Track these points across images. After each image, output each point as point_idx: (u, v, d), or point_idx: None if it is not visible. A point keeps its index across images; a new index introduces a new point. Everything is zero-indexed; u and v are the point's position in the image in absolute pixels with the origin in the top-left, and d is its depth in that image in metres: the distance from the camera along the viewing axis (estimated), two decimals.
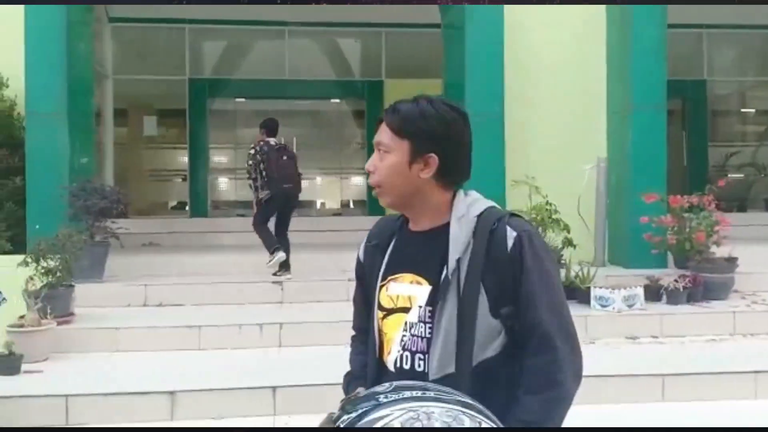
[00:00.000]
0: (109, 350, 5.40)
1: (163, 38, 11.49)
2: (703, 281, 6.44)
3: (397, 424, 1.07)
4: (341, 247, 7.29)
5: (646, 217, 6.92)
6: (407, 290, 1.63)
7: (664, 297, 6.34)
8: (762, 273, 6.97)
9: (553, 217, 6.58)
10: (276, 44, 11.59)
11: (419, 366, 1.59)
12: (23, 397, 4.39)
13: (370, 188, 1.70)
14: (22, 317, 5.19)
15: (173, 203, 13.78)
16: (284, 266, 6.81)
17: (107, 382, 4.66)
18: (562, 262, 6.60)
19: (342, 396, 1.50)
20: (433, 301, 1.58)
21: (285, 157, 6.99)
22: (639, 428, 4.20)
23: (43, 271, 5.55)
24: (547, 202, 6.64)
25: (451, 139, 1.61)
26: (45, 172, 6.73)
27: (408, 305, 1.62)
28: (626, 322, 5.92)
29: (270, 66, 11.62)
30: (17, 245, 6.64)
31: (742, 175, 12.44)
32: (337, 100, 13.36)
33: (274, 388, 4.49)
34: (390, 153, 1.62)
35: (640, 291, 6.14)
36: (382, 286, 1.67)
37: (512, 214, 1.62)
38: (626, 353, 5.41)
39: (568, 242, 6.61)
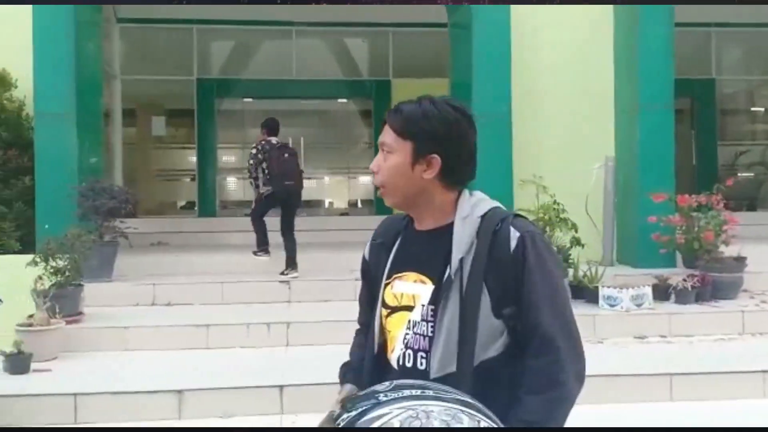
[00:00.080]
0: (117, 349, 5.43)
1: (171, 39, 11.53)
2: (712, 280, 6.41)
3: (396, 423, 1.08)
4: (349, 246, 7.29)
5: (654, 216, 6.90)
6: (411, 289, 1.64)
7: (673, 296, 6.31)
8: None
9: (561, 216, 6.56)
10: (283, 44, 11.61)
11: (421, 364, 1.59)
12: (32, 396, 4.42)
13: (377, 188, 1.71)
14: (31, 316, 5.22)
15: (182, 203, 13.83)
16: (291, 265, 6.84)
17: (116, 381, 4.68)
18: (570, 261, 6.58)
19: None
20: (436, 300, 1.58)
21: (286, 155, 7.08)
22: (646, 428, 4.18)
23: (52, 270, 5.57)
24: (554, 202, 6.62)
25: (453, 140, 1.61)
26: (54, 172, 6.76)
27: (412, 303, 1.63)
28: (634, 321, 5.90)
29: (277, 66, 11.64)
30: (26, 245, 6.69)
31: (752, 174, 12.37)
32: (345, 100, 13.36)
33: (281, 387, 4.50)
34: (393, 153, 1.62)
35: (649, 290, 6.12)
36: (386, 284, 1.68)
37: (516, 215, 1.63)
38: (634, 353, 5.39)
39: (576, 242, 6.59)
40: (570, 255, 6.60)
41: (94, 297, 6.06)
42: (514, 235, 1.55)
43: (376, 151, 1.68)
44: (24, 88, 7.26)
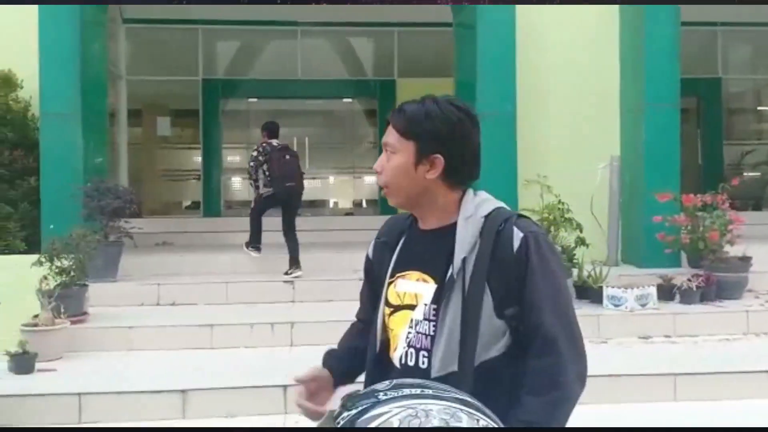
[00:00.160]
0: (122, 349, 5.45)
1: (176, 39, 11.55)
2: (717, 280, 6.39)
3: (395, 422, 1.08)
4: (353, 246, 7.30)
5: (659, 216, 6.88)
6: (414, 287, 1.64)
7: (677, 296, 6.29)
8: None
9: (566, 216, 6.55)
10: (288, 44, 11.62)
11: (423, 363, 1.60)
12: (37, 396, 4.44)
13: (381, 188, 1.72)
14: (36, 316, 5.24)
15: (187, 203, 13.86)
16: (295, 264, 6.86)
17: (120, 381, 4.70)
18: (575, 261, 6.57)
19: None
20: (438, 299, 1.58)
21: (288, 157, 7.17)
22: (650, 428, 4.17)
23: (57, 270, 5.60)
24: (559, 201, 6.61)
25: (456, 140, 1.61)
26: (59, 172, 6.79)
27: (414, 302, 1.63)
28: (639, 321, 5.88)
29: (282, 66, 11.65)
30: (32, 245, 6.71)
31: (758, 174, 12.32)
32: (350, 100, 13.37)
33: (285, 387, 4.50)
34: (396, 154, 1.63)
35: (653, 290, 6.10)
36: (390, 283, 1.69)
37: (520, 215, 1.63)
38: (639, 353, 5.38)
39: (581, 241, 6.58)
40: (575, 255, 6.58)
41: (98, 297, 6.08)
42: (518, 235, 1.56)
43: (381, 151, 1.69)
44: (30, 89, 7.29)
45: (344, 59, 12.18)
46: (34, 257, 5.68)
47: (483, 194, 1.67)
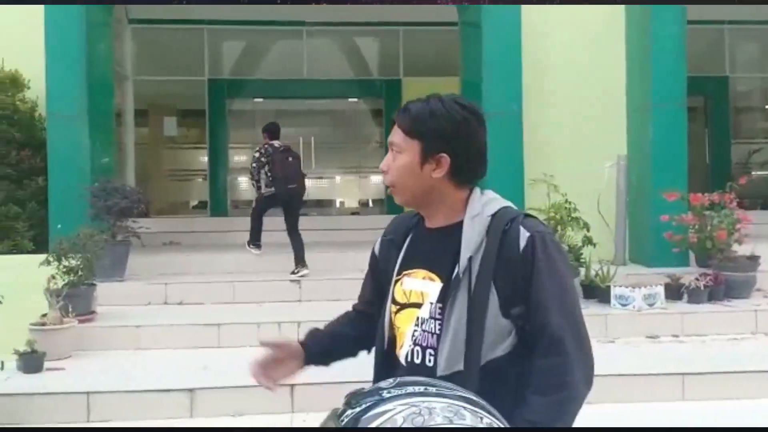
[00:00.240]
0: (130, 348, 5.46)
1: (182, 39, 11.58)
2: (725, 280, 6.36)
3: (399, 419, 1.08)
4: (359, 245, 7.30)
5: (666, 215, 6.85)
6: (420, 286, 1.64)
7: (685, 296, 6.27)
8: None
9: (573, 215, 6.54)
10: (294, 44, 11.64)
11: (429, 361, 1.60)
12: (46, 395, 4.46)
13: (387, 187, 1.72)
14: (44, 316, 5.26)
15: (194, 203, 13.90)
16: (300, 262, 6.89)
17: (128, 380, 4.71)
18: (582, 260, 6.56)
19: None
20: (444, 298, 1.58)
21: (290, 158, 7.23)
22: (658, 428, 4.15)
23: (64, 270, 5.62)
24: (566, 201, 6.60)
25: (462, 139, 1.61)
26: (66, 172, 6.82)
27: (420, 301, 1.63)
28: (646, 321, 5.86)
29: (288, 66, 11.67)
30: (39, 245, 6.75)
31: (766, 173, 12.26)
32: (355, 99, 13.37)
33: (292, 385, 4.50)
34: (402, 153, 1.63)
35: (661, 290, 6.08)
36: (397, 281, 1.69)
37: (527, 215, 1.62)
38: (646, 352, 5.36)
39: (588, 241, 6.56)
40: (582, 254, 6.57)
41: (106, 296, 6.10)
42: (524, 234, 1.55)
43: (387, 151, 1.69)
44: (36, 89, 7.32)
45: (350, 59, 12.19)
46: (42, 257, 5.71)
47: (490, 193, 1.67)
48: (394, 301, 1.69)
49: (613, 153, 7.68)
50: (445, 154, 1.60)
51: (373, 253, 1.83)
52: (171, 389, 4.51)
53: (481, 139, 1.64)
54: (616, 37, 8.06)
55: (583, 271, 6.48)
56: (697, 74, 8.83)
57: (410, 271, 1.67)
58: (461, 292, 1.55)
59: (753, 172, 12.00)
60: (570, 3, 7.85)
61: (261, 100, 13.00)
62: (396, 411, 1.09)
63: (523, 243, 1.54)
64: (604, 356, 4.86)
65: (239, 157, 13.52)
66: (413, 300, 1.65)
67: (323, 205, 14.23)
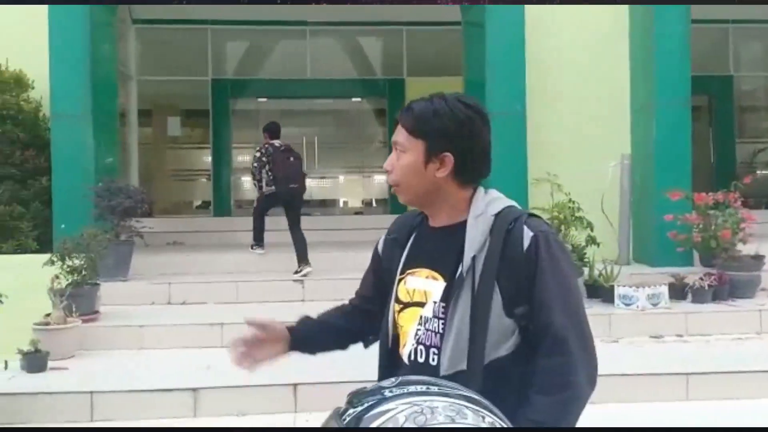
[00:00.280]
0: (133, 348, 5.47)
1: (185, 39, 11.59)
2: (729, 279, 6.34)
3: (401, 418, 1.08)
4: (363, 245, 7.27)
5: (670, 214, 6.84)
6: (423, 285, 1.64)
7: (690, 295, 6.25)
8: None
9: (576, 215, 6.52)
10: (297, 44, 11.64)
11: (433, 360, 1.60)
12: (49, 394, 4.46)
13: (391, 186, 1.72)
14: (47, 315, 5.27)
15: (197, 203, 13.92)
16: (303, 260, 6.91)
17: (132, 380, 4.72)
18: (585, 260, 6.54)
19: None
20: (447, 297, 1.58)
21: (291, 158, 7.26)
22: (662, 428, 4.14)
23: (68, 269, 5.63)
24: (570, 200, 6.59)
25: (465, 138, 1.60)
26: (70, 172, 6.83)
27: (423, 300, 1.63)
28: (650, 320, 5.85)
29: (291, 65, 11.67)
30: (43, 244, 6.76)
31: None
32: (359, 99, 13.37)
33: (295, 385, 4.52)
34: (406, 152, 1.63)
35: (665, 289, 6.06)
36: (400, 280, 1.69)
37: (530, 215, 1.62)
38: (650, 352, 5.35)
39: (592, 240, 6.55)
40: (585, 254, 6.56)
41: (110, 296, 6.11)
42: (528, 234, 1.55)
43: (391, 150, 1.69)
44: (40, 89, 7.34)
45: (353, 59, 12.18)
46: (46, 256, 5.72)
47: (494, 192, 1.67)
48: (397, 300, 1.69)
49: (616, 152, 7.66)
50: (448, 154, 1.60)
51: (375, 250, 1.84)
52: (174, 389, 4.52)
53: (485, 138, 1.64)
54: (619, 36, 8.05)
55: (586, 270, 6.46)
56: (701, 73, 8.81)
57: (414, 270, 1.67)
58: (464, 292, 1.55)
59: (757, 171, 11.96)
60: (570, 3, 7.83)
61: (264, 100, 13.00)
62: (398, 410, 1.10)
63: (526, 242, 1.54)
64: (608, 356, 4.84)
65: (243, 157, 13.53)
66: (416, 299, 1.65)
67: (326, 205, 14.24)
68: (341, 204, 14.66)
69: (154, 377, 4.76)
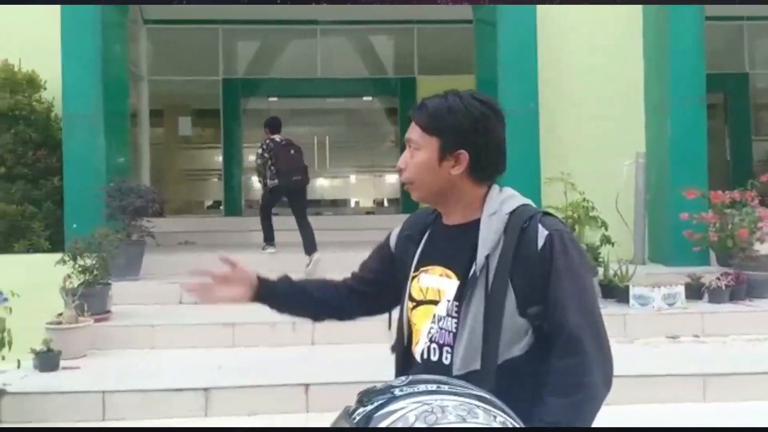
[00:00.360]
0: (145, 347, 5.46)
1: (196, 39, 11.64)
2: (747, 279, 6.27)
3: (411, 417, 1.07)
4: (374, 245, 7.27)
5: (686, 213, 6.76)
6: (437, 283, 1.63)
7: (706, 295, 6.18)
8: None
9: (590, 214, 6.47)
10: (308, 43, 11.65)
11: (446, 359, 1.58)
12: (61, 393, 4.47)
13: (403, 186, 1.71)
14: (60, 315, 5.28)
15: (208, 202, 13.96)
16: (311, 249, 6.97)
17: (143, 379, 4.71)
18: (600, 260, 6.49)
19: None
20: (461, 295, 1.57)
21: (292, 152, 7.35)
22: (678, 428, 4.09)
23: (80, 269, 5.64)
24: (583, 199, 6.53)
25: (480, 135, 1.59)
26: (82, 172, 6.85)
27: (437, 298, 1.62)
28: (666, 320, 5.78)
29: (302, 65, 11.69)
30: (55, 244, 6.78)
31: None
32: (370, 98, 13.37)
33: (306, 385, 4.50)
34: (420, 150, 1.62)
35: (681, 289, 5.99)
36: (414, 277, 1.68)
37: (545, 213, 1.60)
38: (666, 353, 5.29)
39: (606, 240, 6.49)
40: (600, 253, 6.50)
41: (121, 295, 6.12)
42: (542, 233, 1.53)
43: (402, 150, 1.67)
44: (52, 90, 7.37)
45: (364, 57, 12.18)
46: (58, 256, 5.74)
47: (508, 190, 1.65)
48: (410, 298, 1.68)
49: (631, 151, 7.60)
50: (463, 151, 1.58)
51: (387, 242, 1.83)
52: (186, 388, 4.51)
53: (499, 134, 1.63)
54: (633, 34, 7.98)
55: (601, 270, 6.40)
56: (716, 71, 8.73)
57: (427, 267, 1.66)
58: (478, 291, 1.53)
59: None
60: (570, 3, 7.75)
61: (275, 99, 13.03)
62: (408, 409, 1.09)
63: (541, 241, 1.53)
64: (623, 357, 4.77)
65: (253, 157, 13.54)
66: (430, 297, 1.63)
67: (338, 205, 14.25)
68: (353, 204, 14.66)
69: (165, 377, 4.75)
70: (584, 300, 1.52)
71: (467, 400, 1.12)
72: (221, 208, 12.10)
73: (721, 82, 10.34)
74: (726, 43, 11.29)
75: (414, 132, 1.63)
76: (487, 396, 1.17)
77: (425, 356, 1.61)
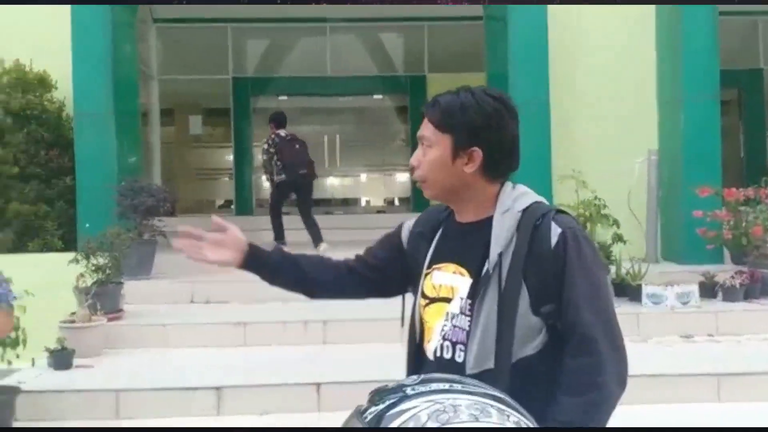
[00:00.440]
0: (157, 346, 5.47)
1: (206, 38, 11.66)
2: (761, 277, 6.21)
3: (423, 416, 1.07)
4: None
5: (700, 211, 6.71)
6: (450, 280, 1.62)
7: (720, 294, 6.13)
8: None
9: (602, 212, 6.43)
10: (317, 41, 11.65)
11: (459, 357, 1.57)
12: (75, 391, 4.50)
13: (414, 185, 1.70)
14: (73, 314, 5.32)
15: (220, 202, 13.99)
16: (318, 240, 7.02)
17: (156, 378, 4.73)
18: (612, 258, 6.45)
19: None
20: (474, 293, 1.56)
21: (297, 146, 7.49)
22: (691, 428, 4.06)
23: (93, 268, 5.67)
24: (595, 197, 6.49)
25: (493, 132, 1.58)
26: (94, 171, 6.88)
27: (450, 295, 1.61)
28: (680, 319, 5.74)
29: (312, 63, 11.69)
30: (68, 243, 6.82)
31: None
32: (380, 96, 13.36)
33: (318, 384, 4.50)
34: (432, 147, 1.61)
35: (695, 288, 5.94)
36: (426, 274, 1.67)
37: (559, 210, 1.59)
38: (680, 352, 5.25)
39: (618, 238, 6.45)
40: (611, 252, 6.46)
41: (133, 295, 6.14)
42: (556, 230, 1.52)
43: (412, 148, 1.66)
44: (63, 89, 7.40)
45: (374, 55, 12.16)
46: (71, 255, 5.77)
47: (521, 188, 1.64)
48: (423, 295, 1.67)
49: (643, 148, 7.54)
50: (477, 148, 1.57)
51: (399, 233, 1.81)
52: (198, 387, 4.52)
53: (513, 131, 1.62)
54: (646, 31, 7.92)
55: (613, 269, 6.37)
56: (730, 67, 8.65)
57: (440, 265, 1.65)
58: (491, 289, 1.52)
59: None
60: (571, 3, 7.69)
61: (285, 97, 13.04)
62: (420, 408, 1.08)
63: (554, 239, 1.52)
64: (636, 356, 4.73)
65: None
66: (443, 294, 1.63)
67: (348, 204, 14.25)
68: (363, 203, 14.66)
69: (178, 376, 4.77)
70: (598, 298, 1.51)
71: (480, 399, 1.12)
72: (232, 207, 12.12)
73: (735, 78, 10.26)
74: (740, 38, 11.20)
75: (427, 129, 1.62)
76: (501, 395, 1.16)
77: (438, 354, 1.61)
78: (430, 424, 1.05)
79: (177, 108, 12.59)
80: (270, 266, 1.81)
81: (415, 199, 11.17)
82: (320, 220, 7.42)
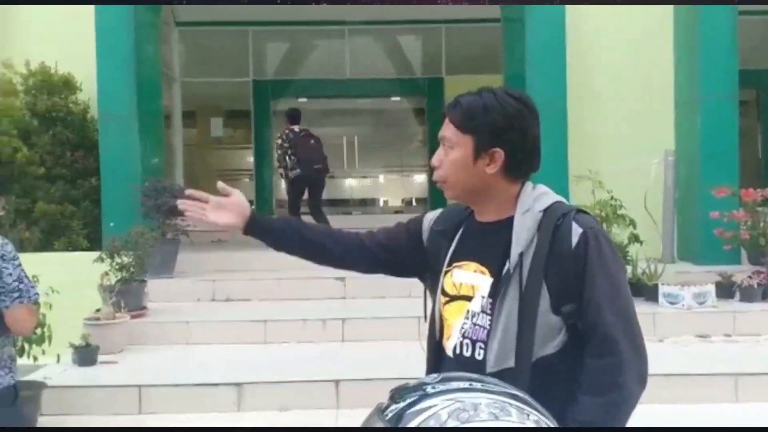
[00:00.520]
0: (179, 343, 5.58)
1: (227, 41, 11.76)
2: None
3: (444, 415, 1.07)
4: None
5: (717, 211, 6.67)
6: (471, 279, 1.62)
7: (737, 294, 6.10)
8: None
9: (619, 212, 6.42)
10: (336, 44, 11.70)
11: (479, 355, 1.58)
12: (100, 387, 4.60)
13: (431, 186, 1.74)
14: (98, 311, 5.43)
15: None
16: None
17: (178, 374, 4.82)
18: (628, 258, 6.44)
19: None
20: (495, 293, 1.57)
21: (312, 141, 7.58)
22: (709, 429, 4.06)
23: (117, 267, 5.78)
24: (611, 198, 6.48)
25: (515, 132, 1.58)
26: (118, 172, 6.98)
27: (471, 294, 1.62)
28: (696, 319, 5.72)
29: (331, 65, 11.74)
30: (93, 242, 6.94)
31: None
32: (398, 98, 13.37)
33: (336, 381, 4.56)
34: (454, 148, 1.61)
35: (712, 288, 5.92)
36: (447, 272, 1.67)
37: (579, 210, 1.59)
38: (697, 352, 5.24)
39: (635, 238, 6.44)
40: (628, 252, 6.45)
41: (156, 293, 6.25)
42: (576, 230, 1.53)
43: (430, 149, 1.69)
44: (88, 91, 7.51)
45: (392, 57, 12.19)
46: (96, 254, 5.88)
47: (542, 188, 1.65)
48: (443, 293, 1.68)
49: (660, 149, 7.51)
50: (499, 149, 1.57)
51: (420, 225, 1.80)
52: (219, 383, 4.61)
53: (534, 131, 1.62)
54: (664, 30, 7.88)
55: (629, 269, 6.35)
56: (748, 67, 8.57)
57: (461, 263, 1.65)
58: (512, 288, 1.53)
59: None
60: (572, 3, 7.65)
61: (305, 100, 13.09)
62: (440, 406, 1.08)
63: (575, 239, 1.52)
64: (653, 356, 4.71)
65: None
66: (463, 292, 1.63)
67: (367, 204, 14.28)
68: (381, 203, 14.69)
69: (199, 372, 4.85)
70: (618, 299, 1.52)
71: (500, 398, 1.11)
72: (253, 207, 12.17)
73: (753, 78, 10.12)
74: (760, 38, 11.06)
75: (448, 130, 1.61)
76: (521, 394, 1.16)
77: (457, 351, 1.61)
78: (451, 423, 1.05)
79: (199, 110, 12.71)
80: (273, 232, 1.83)
81: (432, 200, 11.19)
82: (339, 220, 7.48)
